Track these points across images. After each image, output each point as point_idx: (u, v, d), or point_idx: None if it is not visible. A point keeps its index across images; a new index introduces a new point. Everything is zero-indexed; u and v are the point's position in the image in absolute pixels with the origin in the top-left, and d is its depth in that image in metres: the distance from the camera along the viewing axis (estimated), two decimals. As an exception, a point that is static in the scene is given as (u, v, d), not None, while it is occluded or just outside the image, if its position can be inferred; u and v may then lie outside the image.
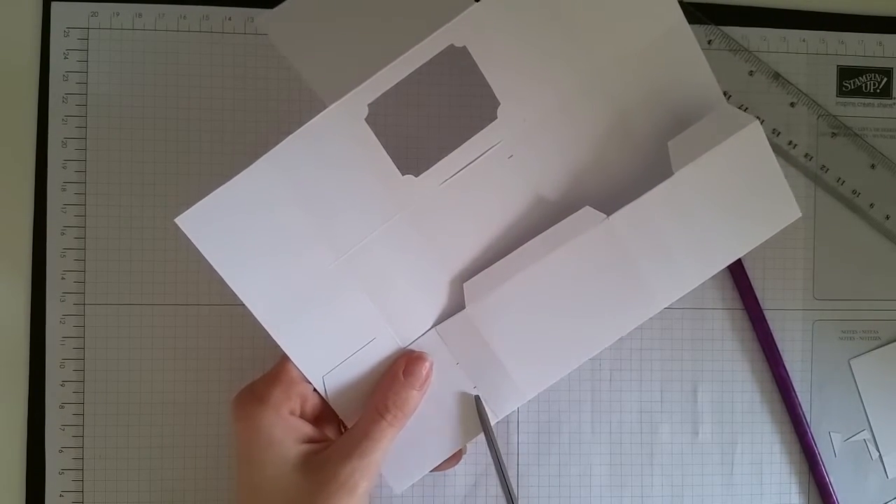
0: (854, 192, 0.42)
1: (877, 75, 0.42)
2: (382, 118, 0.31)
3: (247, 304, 0.31)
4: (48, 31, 0.39)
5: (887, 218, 0.42)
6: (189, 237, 0.30)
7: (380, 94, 0.31)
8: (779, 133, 0.41)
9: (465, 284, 0.34)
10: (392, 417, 0.32)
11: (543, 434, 0.41)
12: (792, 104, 0.42)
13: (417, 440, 0.34)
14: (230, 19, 0.40)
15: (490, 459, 0.40)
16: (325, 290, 0.32)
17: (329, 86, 0.32)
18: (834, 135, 0.42)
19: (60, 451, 0.39)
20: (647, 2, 0.32)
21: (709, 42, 0.41)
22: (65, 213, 0.39)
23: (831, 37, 0.42)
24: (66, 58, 0.39)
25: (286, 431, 0.32)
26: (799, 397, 0.41)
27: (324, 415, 0.34)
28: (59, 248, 0.39)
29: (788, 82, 0.41)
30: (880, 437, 0.42)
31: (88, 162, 0.39)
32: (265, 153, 0.30)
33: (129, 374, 0.39)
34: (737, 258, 0.34)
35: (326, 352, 0.33)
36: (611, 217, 0.32)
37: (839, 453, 0.42)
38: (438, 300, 0.34)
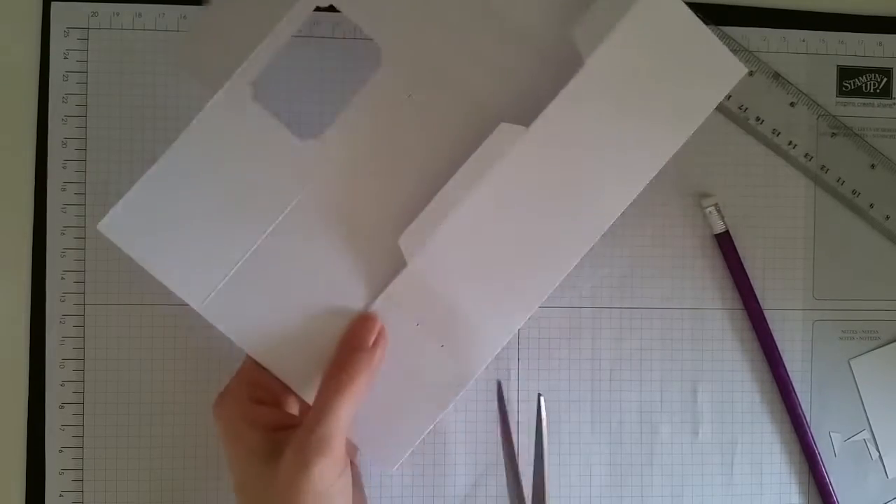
0: (854, 192, 0.42)
1: (877, 75, 0.42)
2: (275, 100, 0.32)
3: (184, 299, 0.32)
4: (48, 31, 0.39)
5: (887, 218, 0.42)
6: (114, 242, 0.31)
7: (260, 71, 0.30)
8: (779, 133, 0.41)
9: (400, 239, 0.31)
10: (343, 386, 0.30)
11: (543, 434, 0.41)
12: (792, 104, 0.42)
13: (397, 415, 0.32)
14: (230, 19, 0.40)
15: (489, 460, 0.40)
16: (259, 270, 0.31)
17: (217, 80, 0.31)
18: (834, 135, 0.42)
19: (60, 451, 0.39)
20: None
21: (709, 42, 0.41)
22: (65, 213, 0.39)
23: (831, 37, 0.42)
24: (66, 58, 0.39)
25: (249, 420, 0.31)
26: (799, 397, 0.41)
27: (285, 397, 0.33)
28: (59, 248, 0.39)
29: (788, 82, 0.41)
30: (880, 437, 0.42)
31: (88, 162, 0.39)
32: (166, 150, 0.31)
33: (129, 374, 0.39)
34: (688, 135, 0.31)
35: (270, 329, 0.32)
36: (531, 127, 0.29)
37: (839, 453, 0.42)
38: (378, 263, 0.32)
